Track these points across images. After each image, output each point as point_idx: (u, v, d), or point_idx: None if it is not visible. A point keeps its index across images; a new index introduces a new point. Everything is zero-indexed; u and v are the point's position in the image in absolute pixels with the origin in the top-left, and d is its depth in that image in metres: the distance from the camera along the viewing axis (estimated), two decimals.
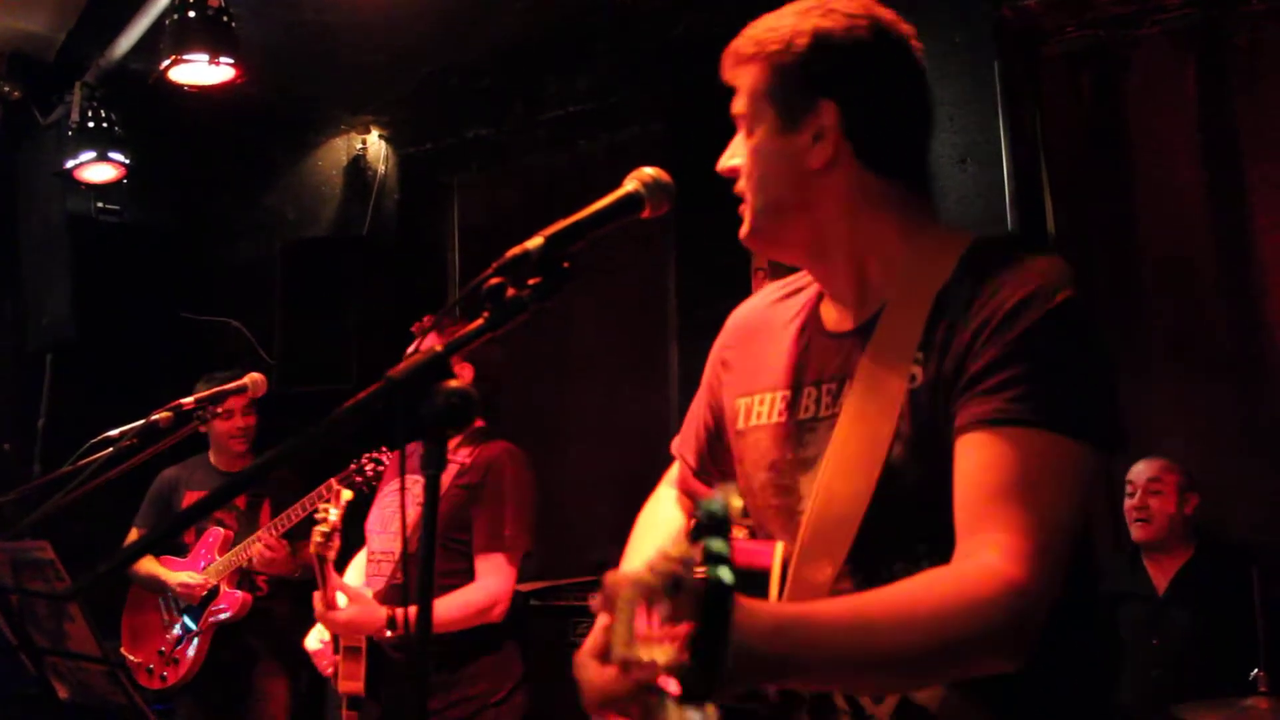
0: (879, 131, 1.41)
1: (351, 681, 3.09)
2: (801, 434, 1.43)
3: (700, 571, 0.76)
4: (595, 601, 1.03)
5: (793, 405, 1.46)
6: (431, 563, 1.16)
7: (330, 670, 3.22)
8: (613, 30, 4.69)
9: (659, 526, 1.71)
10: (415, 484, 3.11)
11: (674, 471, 1.78)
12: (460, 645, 3.03)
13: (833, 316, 1.48)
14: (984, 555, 1.19)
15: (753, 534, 1.55)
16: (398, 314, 5.12)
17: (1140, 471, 3.76)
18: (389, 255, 5.44)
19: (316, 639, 3.26)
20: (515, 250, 1.22)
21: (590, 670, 1.23)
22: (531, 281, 1.22)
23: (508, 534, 3.04)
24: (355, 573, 3.38)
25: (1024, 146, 4.08)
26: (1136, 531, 3.75)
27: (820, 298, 1.52)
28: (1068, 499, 1.23)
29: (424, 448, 1.13)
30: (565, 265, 1.23)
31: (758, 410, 1.51)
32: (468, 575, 3.04)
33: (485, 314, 1.21)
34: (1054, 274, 1.30)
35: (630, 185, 1.35)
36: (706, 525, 0.78)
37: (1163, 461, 3.74)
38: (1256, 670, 3.25)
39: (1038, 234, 4.09)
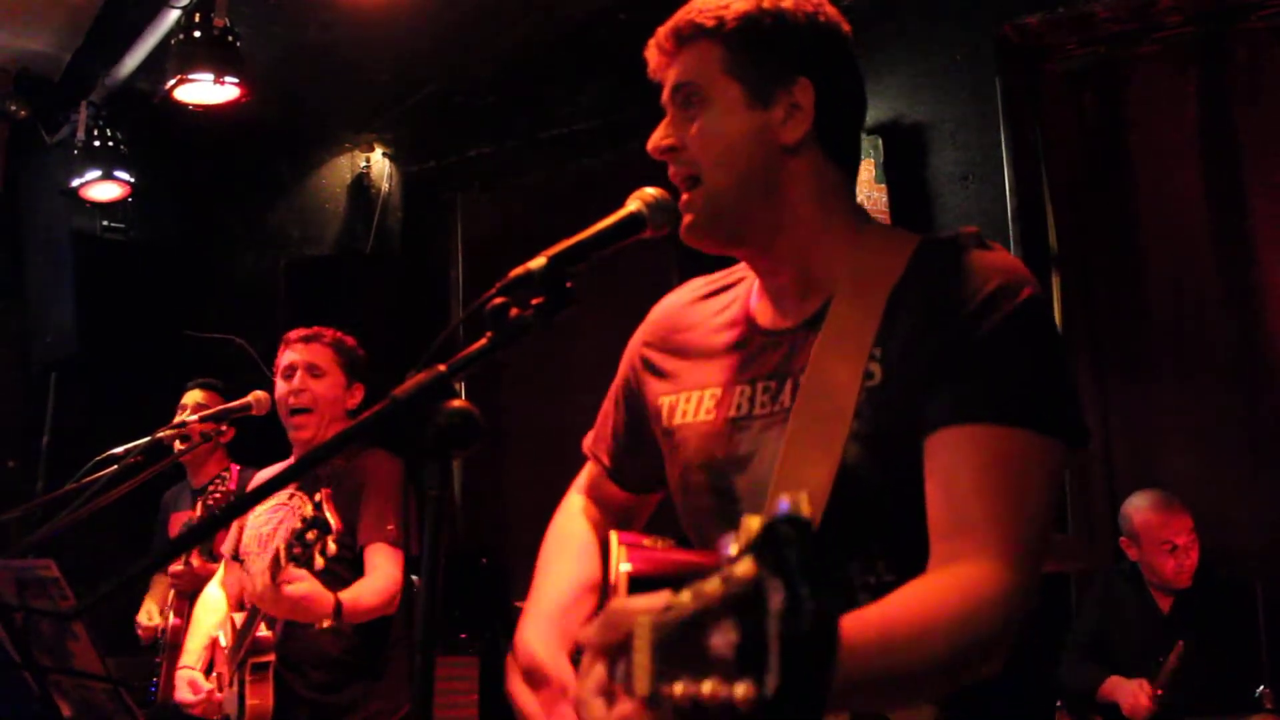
0: (842, 117, 1.42)
1: (260, 702, 2.93)
2: (733, 432, 1.40)
3: (779, 592, 0.65)
4: (593, 635, 0.92)
5: (724, 403, 1.43)
6: (437, 580, 1.16)
7: (218, 712, 3.04)
8: (614, 47, 4.71)
9: (570, 542, 1.62)
10: (290, 498, 3.12)
11: (584, 476, 1.72)
12: (349, 665, 3.01)
13: (768, 313, 1.45)
14: (976, 560, 1.18)
15: (682, 540, 1.49)
16: (401, 331, 5.13)
17: (1173, 529, 3.63)
18: (392, 272, 5.45)
19: (189, 691, 3.08)
20: (518, 270, 1.22)
21: (596, 712, 0.99)
22: (535, 301, 1.22)
23: (390, 529, 3.00)
24: (215, 596, 3.31)
25: (1025, 163, 4.09)
26: (1178, 583, 3.67)
27: (752, 294, 1.49)
28: (1044, 496, 1.23)
29: (427, 466, 1.13)
30: (568, 285, 1.23)
31: (684, 409, 1.48)
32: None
33: (489, 334, 1.21)
34: (1014, 271, 1.30)
35: (633, 205, 1.34)
36: (784, 536, 0.66)
37: (1186, 515, 3.64)
38: (1262, 687, 3.24)
39: (1039, 250, 4.10)
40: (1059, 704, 3.54)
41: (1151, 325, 4.03)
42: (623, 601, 0.90)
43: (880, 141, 4.12)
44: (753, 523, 0.68)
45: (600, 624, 0.91)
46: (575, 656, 1.43)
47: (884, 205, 4.09)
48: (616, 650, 0.89)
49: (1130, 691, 3.53)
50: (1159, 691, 3.45)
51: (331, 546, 2.66)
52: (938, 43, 4.18)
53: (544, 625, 1.46)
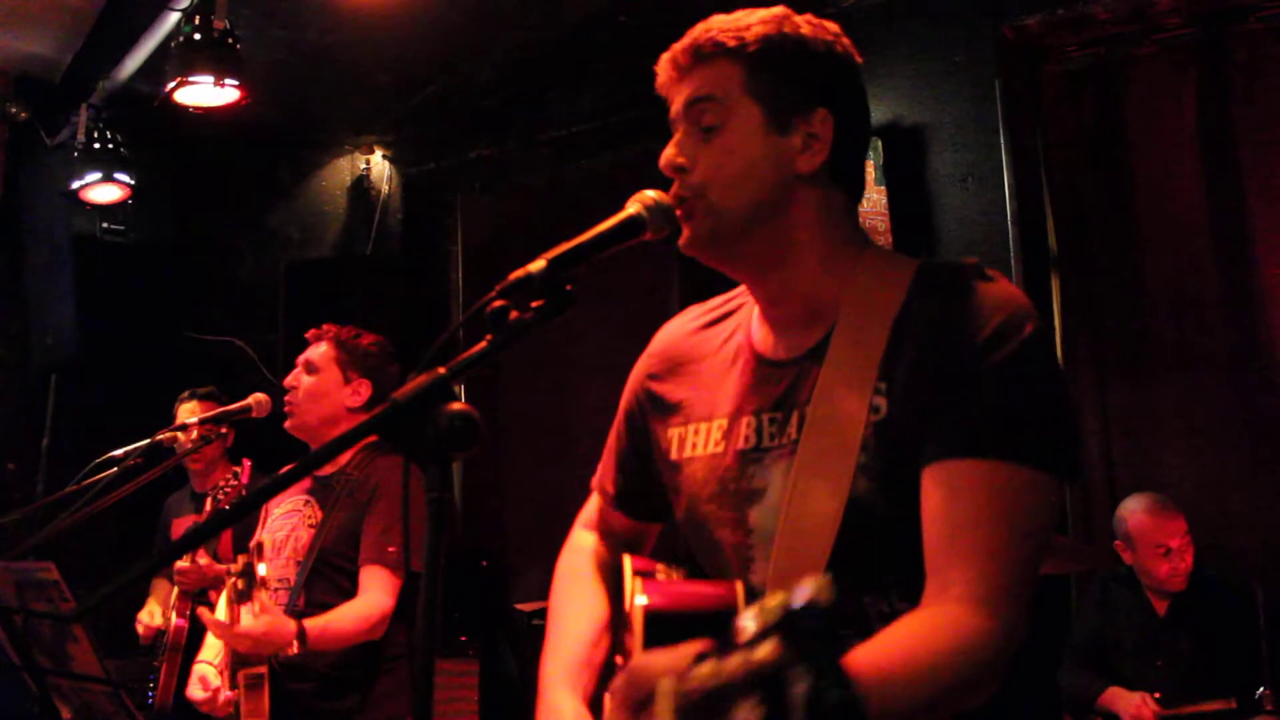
0: (852, 148, 1.43)
1: (257, 711, 2.87)
2: (744, 465, 1.40)
3: (803, 681, 0.69)
4: (619, 689, 0.95)
5: (730, 435, 1.42)
6: (438, 582, 1.16)
7: (230, 710, 3.01)
8: (614, 49, 4.72)
9: (580, 582, 1.62)
10: (305, 505, 3.12)
11: (590, 510, 1.71)
12: (350, 674, 2.97)
13: (769, 342, 1.44)
14: (963, 597, 1.19)
15: (691, 571, 1.49)
16: (401, 333, 5.14)
17: (1167, 532, 3.63)
18: (392, 274, 5.45)
19: (200, 687, 3.03)
20: (518, 273, 1.22)
21: None
22: (534, 304, 1.22)
23: (391, 550, 2.97)
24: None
25: (1025, 164, 4.09)
26: (1171, 586, 3.67)
27: (753, 321, 1.48)
28: (1033, 531, 1.24)
29: (427, 469, 1.13)
30: (568, 288, 1.23)
31: (693, 441, 1.48)
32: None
33: (489, 337, 1.21)
34: (1017, 305, 1.30)
35: (632, 208, 1.34)
36: (806, 627, 0.70)
37: (1180, 519, 3.64)
38: (1262, 689, 3.24)
39: (1039, 251, 4.10)
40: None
41: (1151, 325, 4.03)
42: (645, 659, 0.94)
43: (880, 143, 4.12)
44: (771, 601, 0.72)
45: (625, 681, 0.94)
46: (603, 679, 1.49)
47: (883, 207, 4.08)
48: (640, 705, 0.93)
49: (1133, 704, 3.51)
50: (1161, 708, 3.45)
51: (265, 596, 2.73)
52: (938, 43, 4.18)
53: (568, 680, 1.49)
